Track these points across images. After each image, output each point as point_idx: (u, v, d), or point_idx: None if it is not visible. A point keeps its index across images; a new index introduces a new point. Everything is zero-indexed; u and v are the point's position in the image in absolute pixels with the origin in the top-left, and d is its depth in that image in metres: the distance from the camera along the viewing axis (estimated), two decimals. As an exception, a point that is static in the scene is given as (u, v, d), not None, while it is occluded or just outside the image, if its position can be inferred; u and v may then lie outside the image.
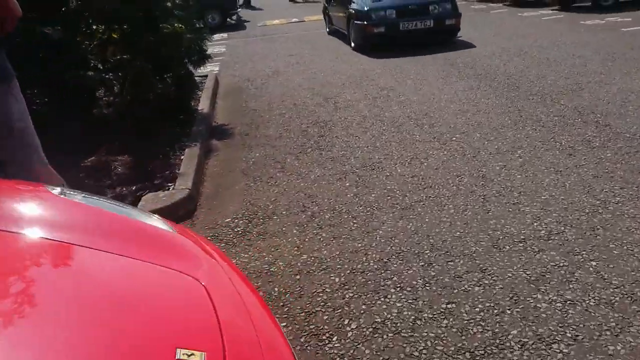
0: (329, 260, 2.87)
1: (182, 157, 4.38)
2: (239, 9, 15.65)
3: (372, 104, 5.90)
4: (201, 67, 6.00)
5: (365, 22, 8.98)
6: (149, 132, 4.82)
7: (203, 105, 5.99)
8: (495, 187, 3.56)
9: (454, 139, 4.54)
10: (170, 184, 3.87)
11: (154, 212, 3.36)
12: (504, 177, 3.69)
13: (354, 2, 9.57)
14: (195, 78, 7.46)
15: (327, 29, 12.24)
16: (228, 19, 15.46)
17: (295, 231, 3.22)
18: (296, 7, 19.71)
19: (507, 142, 4.36)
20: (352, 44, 9.64)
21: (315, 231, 3.20)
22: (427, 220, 3.20)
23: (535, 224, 3.03)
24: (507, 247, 2.82)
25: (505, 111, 5.16)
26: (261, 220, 3.40)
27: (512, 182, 3.61)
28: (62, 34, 4.24)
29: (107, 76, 4.93)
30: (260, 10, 19.12)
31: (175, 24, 5.07)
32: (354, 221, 3.27)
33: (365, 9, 9.10)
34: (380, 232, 3.11)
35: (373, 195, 3.61)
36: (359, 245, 2.99)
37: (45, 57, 4.17)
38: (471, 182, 3.66)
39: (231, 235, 3.25)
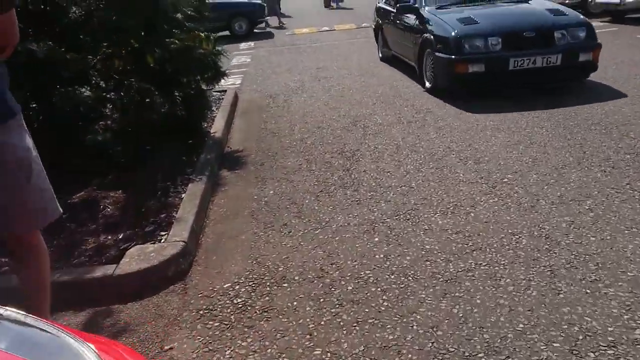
0: (349, 359, 2.18)
1: (183, 194, 3.76)
2: (267, 17, 15.12)
3: (406, 129, 5.19)
4: (216, 85, 5.39)
5: (452, 56, 5.91)
6: (150, 162, 4.22)
7: (217, 127, 5.38)
8: (564, 253, 2.81)
9: (505, 180, 3.80)
10: (163, 233, 3.24)
11: (138, 273, 2.75)
12: (573, 239, 2.94)
13: (430, 23, 6.54)
14: (214, 93, 6.93)
15: (380, 53, 9.20)
16: (256, 27, 14.95)
17: (308, 309, 2.55)
18: (329, 14, 19.08)
19: (572, 188, 3.59)
20: (427, 84, 6.62)
21: (334, 310, 2.52)
22: (478, 301, 2.47)
23: (625, 316, 2.28)
24: (592, 355, 2.08)
25: (565, 145, 4.38)
26: (268, 289, 2.74)
27: (586, 247, 2.86)
28: (51, 51, 3.67)
29: (106, 95, 4.38)
30: (288, 17, 18.59)
31: (185, 37, 4.47)
32: (384, 297, 2.58)
33: (453, 34, 5.98)
34: (418, 317, 2.40)
35: (408, 258, 2.90)
36: (390, 337, 2.29)
37: (29, 77, 3.61)
38: (532, 245, 2.92)
39: (229, 310, 2.59)
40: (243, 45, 13.02)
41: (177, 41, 4.34)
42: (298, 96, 7.07)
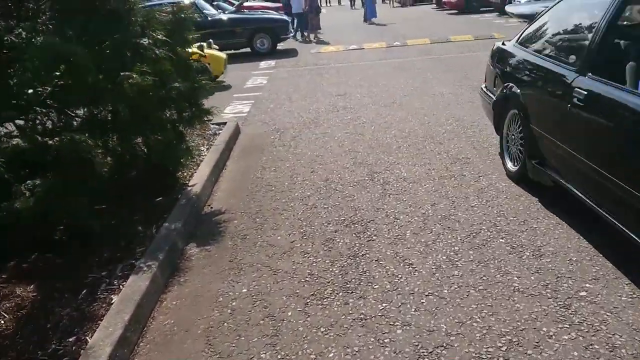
0: None
1: (116, 296, 2.66)
2: (291, 34, 14.09)
3: (437, 189, 3.99)
4: (197, 125, 4.32)
5: None
6: (89, 239, 3.15)
7: (199, 177, 4.29)
8: None
9: (582, 293, 2.56)
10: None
11: None
12: None
13: None
14: (211, 126, 5.89)
15: (515, 165, 4.10)
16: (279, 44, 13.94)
17: None
18: (365, 29, 17.96)
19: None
20: None
21: None
22: None
23: None
24: None
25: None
26: None
27: None
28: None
29: (47, 142, 3.34)
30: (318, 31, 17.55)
31: (148, 71, 3.41)
32: None
33: None
34: None
35: None
36: None
37: None
38: None
39: None
40: (263, 64, 12.02)
41: (135, 76, 3.27)
42: (310, 132, 5.95)
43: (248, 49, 13.42)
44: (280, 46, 14.20)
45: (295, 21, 16.91)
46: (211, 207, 4.04)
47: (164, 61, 3.78)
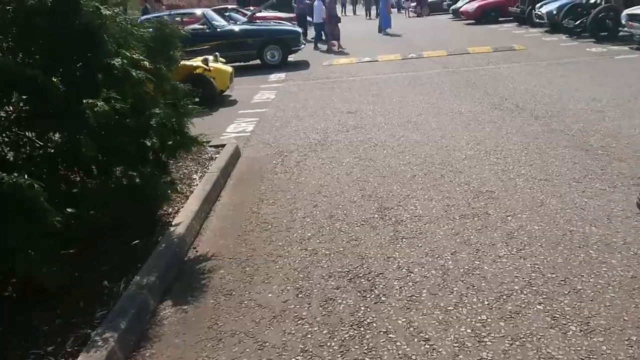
0: None
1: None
2: (302, 46, 13.58)
3: (458, 233, 3.43)
4: (178, 158, 3.82)
5: None
6: (44, 297, 2.65)
7: (185, 215, 3.77)
8: None
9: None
10: None
11: None
12: None
13: None
14: (208, 148, 5.39)
15: None
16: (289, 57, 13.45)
17: None
18: (375, 41, 17.42)
19: None
20: None
21: None
22: None
23: None
24: None
25: None
26: None
27: None
28: None
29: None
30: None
31: (116, 97, 2.91)
32: None
33: None
34: None
35: None
36: None
37: None
38: None
39: None
40: (273, 76, 11.55)
41: (100, 103, 2.76)
42: (316, 156, 5.42)
43: (258, 61, 12.96)
44: (292, 58, 13.74)
45: (315, 31, 16.61)
46: (196, 251, 3.51)
47: (143, 84, 3.28)
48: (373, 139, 5.85)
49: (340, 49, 15.64)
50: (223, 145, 5.64)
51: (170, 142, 3.54)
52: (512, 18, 19.43)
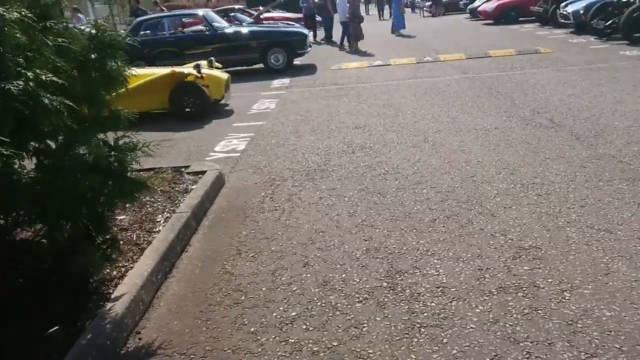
0: None
1: None
2: (309, 49, 12.60)
3: (496, 321, 2.45)
4: (116, 208, 2.90)
5: None
6: None
7: (131, 284, 2.84)
8: None
9: None
10: None
11: None
12: None
13: None
14: (186, 175, 4.49)
15: None
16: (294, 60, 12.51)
17: None
18: (388, 43, 16.41)
19: None
20: None
21: None
22: None
23: None
24: None
25: None
26: None
27: None
28: None
29: None
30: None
31: (5, 140, 2.00)
32: None
33: None
34: None
35: None
36: None
37: None
38: None
39: None
40: (276, 82, 10.63)
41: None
42: (313, 186, 4.48)
43: (261, 65, 12.04)
44: (298, 61, 12.82)
45: (341, 30, 15.91)
46: (139, 339, 2.59)
47: (60, 114, 2.36)
48: (383, 164, 4.89)
49: (353, 49, 15.06)
50: (204, 173, 4.71)
51: (108, 191, 2.61)
52: (533, 18, 18.31)
